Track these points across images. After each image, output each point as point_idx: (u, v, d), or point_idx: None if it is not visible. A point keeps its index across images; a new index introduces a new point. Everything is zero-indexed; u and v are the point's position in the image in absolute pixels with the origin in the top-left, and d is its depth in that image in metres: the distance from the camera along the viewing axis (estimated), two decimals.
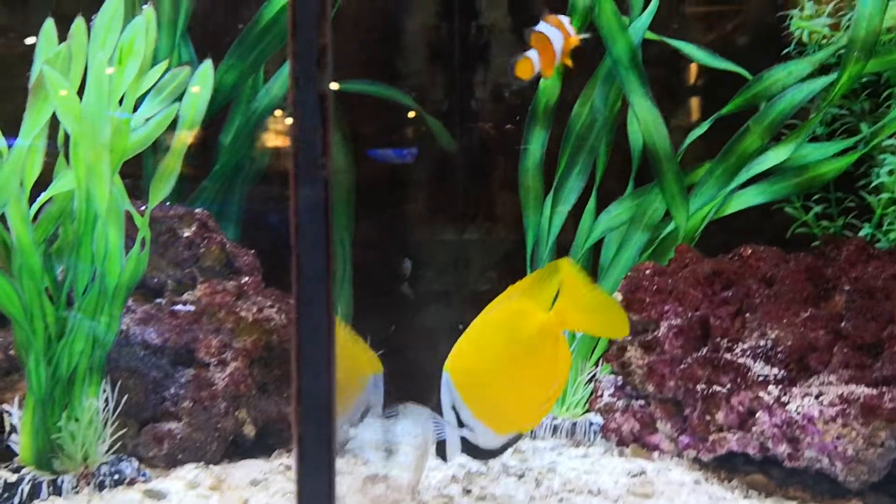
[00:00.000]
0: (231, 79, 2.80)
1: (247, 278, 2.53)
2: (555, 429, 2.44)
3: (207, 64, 1.98)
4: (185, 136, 1.99)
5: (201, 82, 1.97)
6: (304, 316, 1.18)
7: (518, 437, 1.84)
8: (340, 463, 2.30)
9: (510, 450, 2.31)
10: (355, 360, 2.09)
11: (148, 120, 2.07)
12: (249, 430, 2.34)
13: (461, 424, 1.75)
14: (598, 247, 2.78)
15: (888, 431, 1.83)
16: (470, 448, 1.77)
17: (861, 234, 2.77)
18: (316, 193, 1.17)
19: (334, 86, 3.20)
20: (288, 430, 2.47)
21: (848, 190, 2.87)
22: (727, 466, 2.09)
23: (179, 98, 2.11)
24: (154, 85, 2.09)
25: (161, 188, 2.02)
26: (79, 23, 1.92)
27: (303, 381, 1.19)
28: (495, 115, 3.44)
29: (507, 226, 3.48)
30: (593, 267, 2.75)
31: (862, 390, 1.87)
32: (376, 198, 3.40)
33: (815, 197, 2.85)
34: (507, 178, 3.44)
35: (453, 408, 1.75)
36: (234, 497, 2.04)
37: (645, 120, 2.53)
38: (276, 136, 3.19)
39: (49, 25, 1.88)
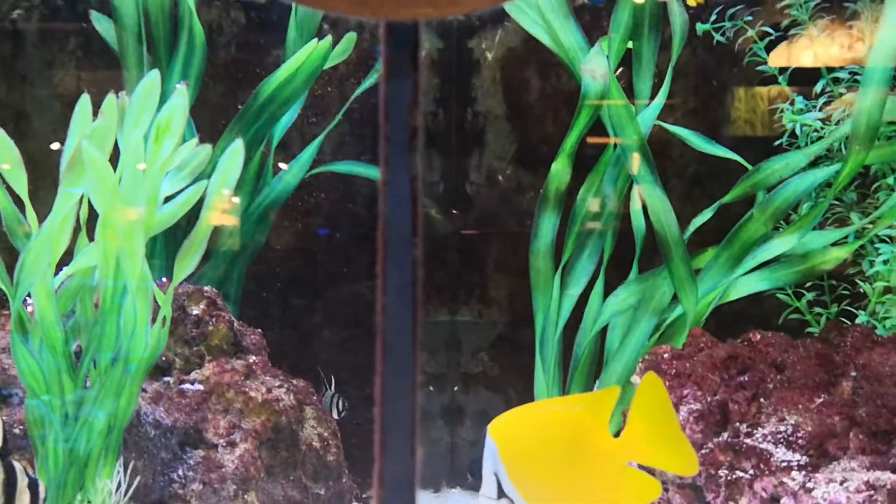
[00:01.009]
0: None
1: (254, 357, 2.50)
2: None
3: (239, 143, 2.00)
4: (214, 214, 1.99)
5: (231, 162, 1.98)
6: (388, 397, 1.17)
7: None
8: None
9: None
10: None
11: (170, 198, 2.07)
12: None
13: (501, 493, 1.72)
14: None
15: None
16: None
17: (857, 321, 2.84)
18: (405, 274, 1.17)
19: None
20: None
21: (837, 278, 2.96)
22: None
23: (204, 175, 2.11)
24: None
25: (186, 265, 2.01)
26: (111, 99, 1.92)
27: (385, 465, 1.18)
28: (489, 199, 3.50)
29: (501, 308, 3.50)
30: (600, 350, 2.77)
31: (888, 476, 1.89)
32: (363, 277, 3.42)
33: (808, 284, 2.93)
34: (503, 260, 3.49)
35: (495, 475, 1.73)
36: None
37: (654, 205, 2.59)
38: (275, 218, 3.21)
39: (85, 100, 1.88)
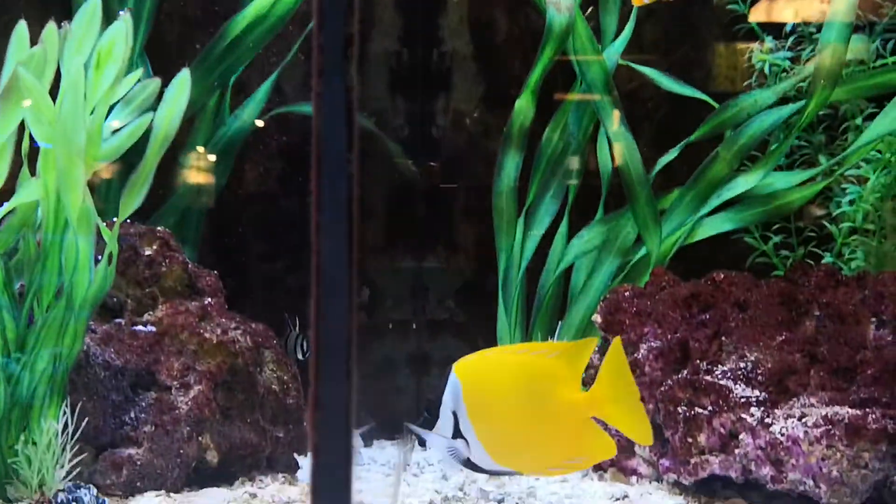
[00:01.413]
0: (193, 95, 2.72)
1: (210, 299, 2.44)
2: None
3: (185, 73, 1.91)
4: (159, 148, 1.91)
5: (178, 92, 1.90)
6: (324, 316, 1.12)
7: (514, 472, 1.80)
8: (294, 491, 2.22)
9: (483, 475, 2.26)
10: None
11: (116, 130, 1.99)
12: (212, 457, 2.24)
13: (457, 433, 1.69)
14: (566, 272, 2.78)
15: (872, 453, 1.84)
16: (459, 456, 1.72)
17: (823, 262, 2.82)
18: (339, 189, 1.12)
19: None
20: (252, 456, 2.37)
21: (805, 219, 2.93)
22: (706, 490, 2.07)
23: (150, 109, 2.03)
24: (124, 95, 2.02)
25: (132, 201, 1.93)
26: (51, 27, 1.83)
27: (320, 390, 1.13)
28: (456, 142, 3.42)
29: (468, 255, 3.45)
30: (563, 292, 2.74)
31: (847, 411, 1.88)
32: None
33: (775, 227, 2.90)
34: (470, 206, 3.43)
35: (454, 413, 1.70)
36: None
37: (618, 144, 2.54)
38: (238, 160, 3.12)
39: (21, 28, 1.79)
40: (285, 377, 2.53)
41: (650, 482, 2.13)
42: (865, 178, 2.79)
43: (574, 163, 2.66)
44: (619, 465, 2.20)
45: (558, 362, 1.69)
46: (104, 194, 2.77)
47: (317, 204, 1.13)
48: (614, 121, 2.51)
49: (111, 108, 2.01)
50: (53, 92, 1.85)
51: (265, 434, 2.40)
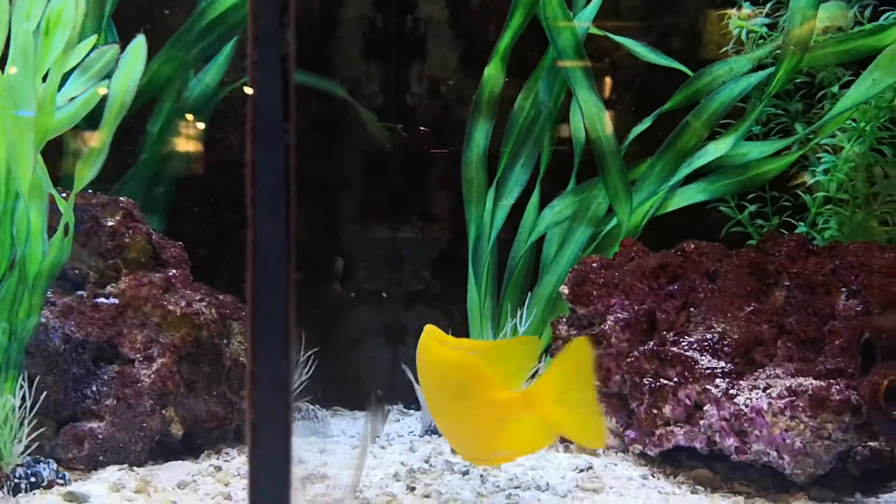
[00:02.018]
0: (168, 71, 2.67)
1: (174, 271, 2.40)
2: None
3: (140, 40, 1.87)
4: (115, 117, 1.87)
5: (133, 59, 1.85)
6: (261, 292, 1.09)
7: None
8: None
9: (449, 446, 2.25)
10: None
11: (73, 98, 1.94)
12: (177, 430, 2.22)
13: None
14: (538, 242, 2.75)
15: (835, 424, 1.83)
16: None
17: (796, 231, 2.80)
18: (276, 160, 1.08)
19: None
20: (218, 429, 2.35)
21: (781, 189, 2.90)
22: (671, 461, 2.06)
23: (108, 77, 1.99)
24: (80, 62, 1.97)
25: (87, 172, 1.89)
26: None
27: (258, 366, 1.10)
28: (431, 110, 3.37)
29: (443, 224, 3.41)
30: (536, 262, 2.71)
31: (810, 383, 1.86)
32: (305, 193, 3.29)
33: (750, 196, 2.88)
34: (446, 175, 3.39)
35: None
36: (160, 500, 1.92)
37: (589, 113, 2.50)
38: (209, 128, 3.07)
39: None
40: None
41: (616, 454, 2.12)
42: (841, 147, 2.76)
43: (545, 132, 2.62)
44: None
45: (477, 362, 1.65)
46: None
47: (252, 177, 1.10)
48: (584, 90, 2.47)
49: (68, 76, 1.97)
50: (3, 60, 1.81)
51: (232, 407, 2.38)
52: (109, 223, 2.35)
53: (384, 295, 3.28)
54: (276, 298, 1.06)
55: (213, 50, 2.78)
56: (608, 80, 3.07)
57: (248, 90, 1.11)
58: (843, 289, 2.22)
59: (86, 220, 2.30)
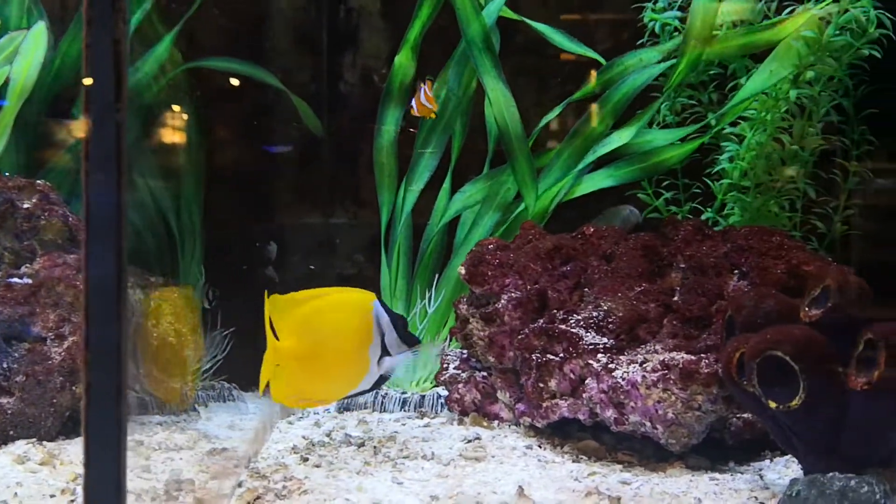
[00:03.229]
0: (76, 50, 2.72)
1: None
2: (403, 402, 2.47)
3: (40, 26, 1.93)
4: (17, 100, 1.93)
5: (34, 44, 1.91)
6: (93, 263, 1.17)
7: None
8: (182, 438, 2.27)
9: (356, 421, 2.34)
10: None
11: None
12: None
13: None
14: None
15: (705, 396, 1.93)
16: None
17: (703, 217, 2.91)
18: (108, 139, 1.16)
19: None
20: (142, 406, 2.44)
21: (693, 177, 3.01)
22: (561, 433, 2.16)
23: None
24: None
25: None
26: None
27: (91, 329, 1.18)
28: (363, 99, 3.44)
29: (376, 210, 3.49)
30: (448, 245, 2.80)
31: (682, 357, 1.96)
32: (240, 180, 3.36)
33: (666, 183, 2.98)
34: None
35: None
36: (65, 472, 1.98)
37: (497, 102, 2.59)
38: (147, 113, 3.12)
39: None
40: (184, 329, 2.59)
41: (509, 426, 2.22)
42: (744, 136, 2.87)
43: (455, 118, 2.70)
44: (482, 410, 2.28)
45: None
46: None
47: (85, 153, 1.18)
48: (492, 78, 2.55)
49: None
50: None
51: (159, 384, 2.46)
52: (25, 205, 2.41)
53: (313, 270, 3.35)
54: (107, 267, 1.14)
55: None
56: (533, 68, 3.16)
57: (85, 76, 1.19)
58: (735, 271, 2.32)
59: (1, 202, 2.36)
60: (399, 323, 2.02)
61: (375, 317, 2.02)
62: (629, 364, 2.01)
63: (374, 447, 2.05)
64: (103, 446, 1.11)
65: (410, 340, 2.02)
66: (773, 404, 1.62)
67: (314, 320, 1.93)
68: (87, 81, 1.08)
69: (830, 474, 1.56)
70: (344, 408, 2.52)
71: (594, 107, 2.61)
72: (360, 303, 2.00)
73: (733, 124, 2.87)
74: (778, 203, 2.82)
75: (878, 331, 1.54)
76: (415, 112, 2.55)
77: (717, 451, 2.05)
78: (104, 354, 1.14)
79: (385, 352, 2.00)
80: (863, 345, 1.57)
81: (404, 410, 2.46)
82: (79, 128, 2.87)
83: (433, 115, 2.56)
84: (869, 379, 1.54)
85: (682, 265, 2.33)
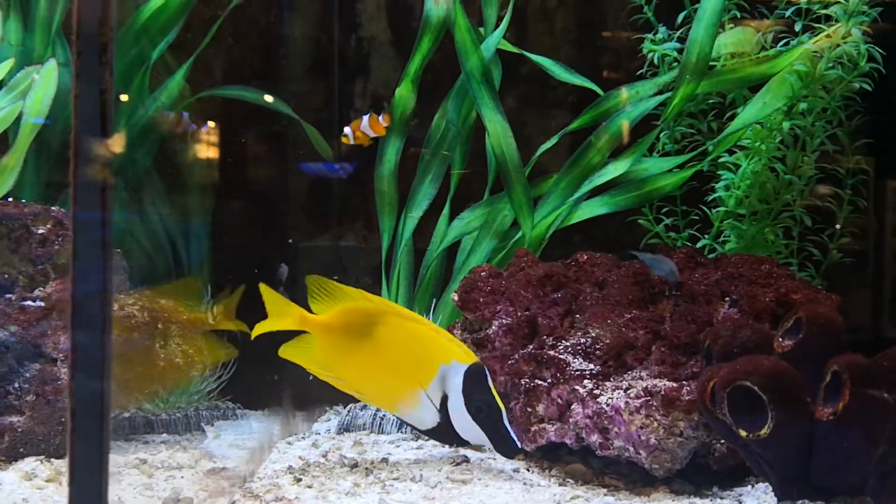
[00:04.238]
0: None
1: None
2: (401, 424, 2.54)
3: (51, 63, 2.03)
4: (29, 133, 2.03)
5: (46, 80, 2.02)
6: (80, 282, 1.26)
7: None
8: (185, 457, 2.36)
9: (352, 442, 2.41)
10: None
11: None
12: None
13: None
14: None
15: (686, 422, 1.98)
16: None
17: (699, 244, 2.96)
18: (94, 182, 1.26)
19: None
20: (146, 425, 2.53)
21: (692, 204, 3.07)
22: (550, 456, 2.21)
23: None
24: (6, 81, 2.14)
25: (1, 183, 2.05)
26: None
27: (77, 336, 1.27)
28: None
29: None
30: (447, 270, 2.87)
31: (664, 384, 2.02)
32: (252, 202, 3.46)
33: (665, 210, 3.04)
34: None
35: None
36: None
37: (495, 133, 2.66)
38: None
39: None
40: (191, 350, 2.68)
41: None
42: (740, 165, 2.92)
43: (455, 148, 2.79)
44: None
45: None
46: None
47: (74, 194, 1.28)
48: (490, 110, 2.63)
49: None
50: None
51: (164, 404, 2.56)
52: (40, 231, 2.52)
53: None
54: (93, 280, 1.24)
55: (144, 57, 2.93)
56: (529, 99, 3.24)
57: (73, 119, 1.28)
58: (726, 298, 2.38)
59: (16, 228, 2.47)
60: (487, 409, 2.05)
61: (442, 373, 2.07)
62: (614, 390, 2.07)
63: (367, 468, 2.11)
64: (87, 468, 1.19)
65: (500, 441, 2.04)
66: (743, 433, 1.68)
67: (369, 322, 2.10)
68: (74, 130, 1.17)
69: (801, 502, 1.61)
70: (344, 428, 2.59)
71: (591, 138, 2.68)
72: (426, 344, 2.10)
73: (730, 153, 2.92)
74: (773, 231, 2.87)
75: (842, 362, 1.59)
76: (348, 140, 2.67)
77: (702, 476, 2.10)
78: (89, 361, 1.23)
79: (445, 410, 2.07)
80: (829, 376, 1.62)
81: (401, 432, 2.52)
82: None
83: (369, 142, 2.67)
84: (834, 409, 1.59)
85: (675, 292, 2.38)
